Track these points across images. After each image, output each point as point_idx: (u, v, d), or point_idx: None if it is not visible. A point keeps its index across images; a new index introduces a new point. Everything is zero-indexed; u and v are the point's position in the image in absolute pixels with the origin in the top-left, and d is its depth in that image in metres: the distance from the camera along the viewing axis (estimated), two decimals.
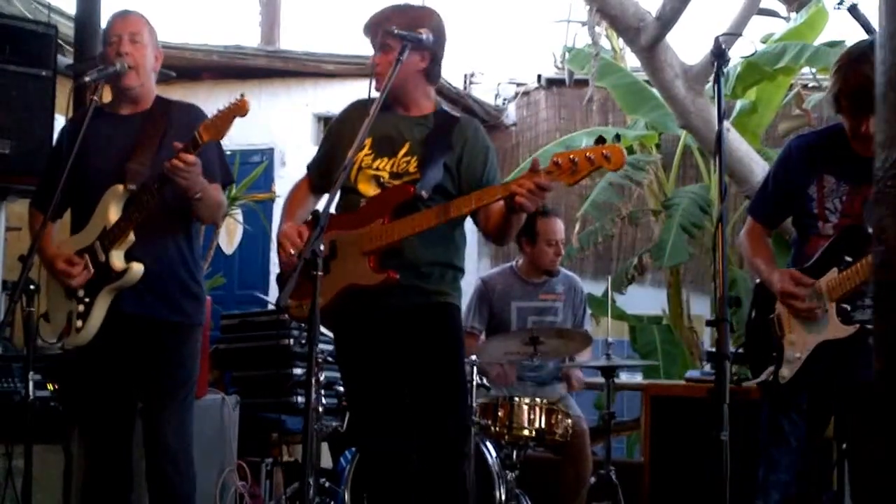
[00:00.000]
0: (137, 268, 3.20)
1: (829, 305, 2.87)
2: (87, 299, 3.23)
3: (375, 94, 2.93)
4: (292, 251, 2.94)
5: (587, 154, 2.63)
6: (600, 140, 2.65)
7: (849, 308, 2.85)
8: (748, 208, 3.33)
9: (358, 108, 3.19)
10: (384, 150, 3.08)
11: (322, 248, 2.67)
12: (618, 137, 2.70)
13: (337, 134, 3.21)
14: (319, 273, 2.57)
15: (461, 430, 3.16)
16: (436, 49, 3.09)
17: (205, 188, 3.18)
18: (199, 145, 3.06)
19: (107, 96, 3.42)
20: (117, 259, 3.20)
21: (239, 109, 3.01)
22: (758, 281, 3.00)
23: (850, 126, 2.91)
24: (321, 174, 3.23)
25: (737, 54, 3.20)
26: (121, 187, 3.21)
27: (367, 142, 3.07)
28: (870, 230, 2.80)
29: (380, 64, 3.06)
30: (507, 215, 2.87)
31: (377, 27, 3.08)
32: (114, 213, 3.21)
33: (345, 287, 2.96)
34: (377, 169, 3.06)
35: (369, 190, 3.05)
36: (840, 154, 2.97)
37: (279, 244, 3.02)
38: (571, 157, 2.64)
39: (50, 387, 3.87)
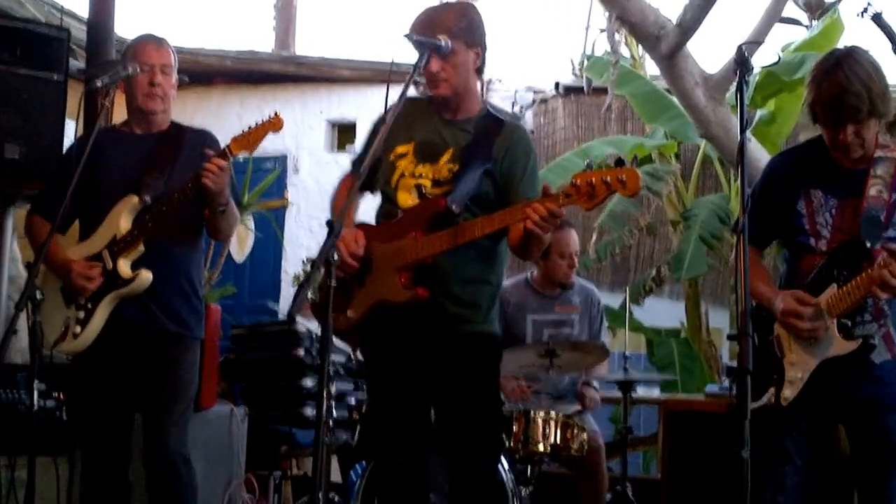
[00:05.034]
0: (146, 275, 3.21)
1: (830, 322, 2.84)
2: (88, 305, 3.23)
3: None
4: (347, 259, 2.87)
5: (604, 177, 2.57)
6: (620, 162, 2.58)
7: (849, 323, 2.82)
8: (733, 228, 3.30)
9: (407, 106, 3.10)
10: (426, 157, 2.98)
11: (336, 257, 2.60)
12: (635, 160, 2.62)
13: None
14: (333, 284, 2.50)
15: (489, 478, 3.05)
16: (484, 42, 3.00)
17: (230, 199, 3.23)
18: (228, 158, 3.11)
19: (120, 115, 3.43)
20: (125, 266, 3.22)
21: (272, 126, 3.10)
22: (755, 302, 2.95)
23: (829, 136, 2.89)
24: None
25: (759, 63, 3.15)
26: (135, 198, 3.24)
27: (410, 147, 3.00)
28: (867, 244, 2.76)
29: (443, 70, 2.91)
30: (526, 237, 2.76)
31: (433, 29, 2.87)
32: (125, 223, 3.23)
33: (376, 302, 2.90)
34: (419, 176, 2.97)
35: (407, 199, 2.96)
36: (823, 166, 2.95)
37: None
38: (589, 179, 2.57)
39: (56, 396, 3.81)
